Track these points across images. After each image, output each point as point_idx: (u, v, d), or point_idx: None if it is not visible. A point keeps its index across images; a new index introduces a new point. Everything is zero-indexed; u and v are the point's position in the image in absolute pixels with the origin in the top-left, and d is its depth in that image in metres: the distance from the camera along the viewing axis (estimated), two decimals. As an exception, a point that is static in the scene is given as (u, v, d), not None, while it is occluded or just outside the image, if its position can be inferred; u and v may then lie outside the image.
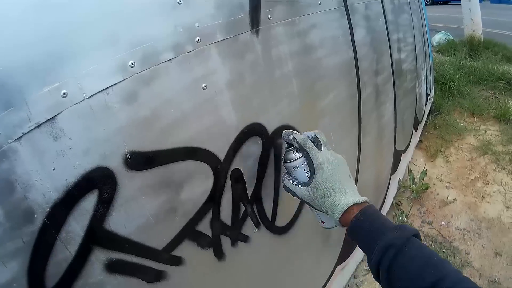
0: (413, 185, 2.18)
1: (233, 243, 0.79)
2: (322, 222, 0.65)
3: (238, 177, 0.76)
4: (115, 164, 0.53)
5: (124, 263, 0.57)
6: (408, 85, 2.04)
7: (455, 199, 2.13)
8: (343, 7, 1.14)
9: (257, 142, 0.80)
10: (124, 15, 0.53)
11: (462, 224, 1.95)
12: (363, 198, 0.59)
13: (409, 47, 2.06)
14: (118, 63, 0.52)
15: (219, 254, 0.75)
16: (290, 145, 0.63)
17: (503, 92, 3.53)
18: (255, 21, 0.76)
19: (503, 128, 2.83)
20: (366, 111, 1.35)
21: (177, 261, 0.66)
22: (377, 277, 0.53)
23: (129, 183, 0.55)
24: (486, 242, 1.81)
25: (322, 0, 1.01)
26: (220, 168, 0.71)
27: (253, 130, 0.79)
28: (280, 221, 0.94)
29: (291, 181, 0.63)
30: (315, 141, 0.62)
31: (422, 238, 1.38)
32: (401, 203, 2.11)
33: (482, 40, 5.04)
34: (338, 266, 1.38)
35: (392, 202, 2.04)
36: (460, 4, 5.18)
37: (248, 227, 0.82)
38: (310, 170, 0.60)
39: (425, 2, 3.30)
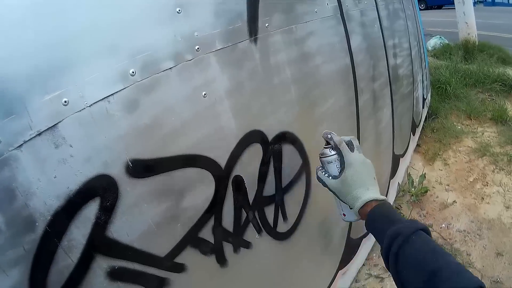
0: (413, 189, 2.18)
1: (235, 249, 0.79)
2: (344, 214, 0.73)
3: (239, 183, 0.77)
4: (117, 171, 0.54)
5: (126, 271, 0.56)
6: (404, 90, 2.06)
7: (454, 201, 2.13)
8: (339, 14, 1.16)
9: (257, 148, 0.81)
10: (125, 24, 0.55)
11: (463, 225, 1.94)
12: (382, 197, 0.65)
13: (404, 52, 2.09)
14: (119, 71, 0.53)
15: (222, 260, 0.75)
16: (327, 143, 0.71)
17: (499, 94, 3.55)
18: (253, 30, 0.78)
19: (500, 130, 2.84)
20: (364, 116, 1.36)
21: (180, 268, 0.66)
22: (386, 263, 0.56)
23: (131, 191, 0.56)
24: (487, 242, 1.80)
25: (318, 7, 1.02)
26: (221, 175, 0.72)
27: (253, 137, 0.79)
28: (282, 227, 0.94)
29: (323, 173, 0.71)
30: (349, 144, 0.70)
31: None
32: (401, 207, 2.11)
33: (477, 43, 5.09)
34: (339, 271, 1.37)
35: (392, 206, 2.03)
36: (454, 8, 5.24)
37: (250, 233, 0.82)
38: (341, 166, 0.69)
39: (419, 7, 3.34)
